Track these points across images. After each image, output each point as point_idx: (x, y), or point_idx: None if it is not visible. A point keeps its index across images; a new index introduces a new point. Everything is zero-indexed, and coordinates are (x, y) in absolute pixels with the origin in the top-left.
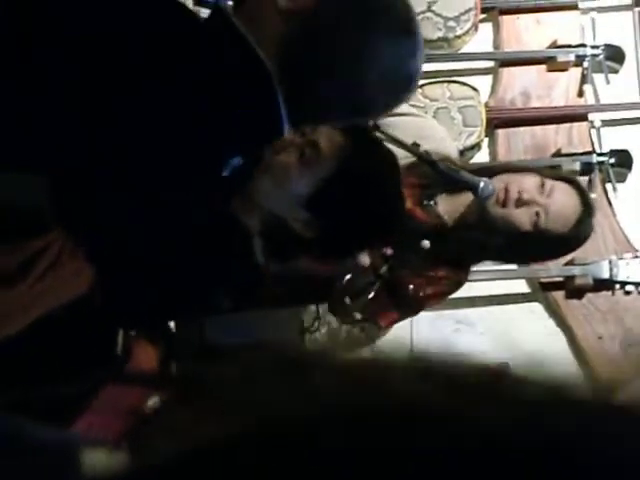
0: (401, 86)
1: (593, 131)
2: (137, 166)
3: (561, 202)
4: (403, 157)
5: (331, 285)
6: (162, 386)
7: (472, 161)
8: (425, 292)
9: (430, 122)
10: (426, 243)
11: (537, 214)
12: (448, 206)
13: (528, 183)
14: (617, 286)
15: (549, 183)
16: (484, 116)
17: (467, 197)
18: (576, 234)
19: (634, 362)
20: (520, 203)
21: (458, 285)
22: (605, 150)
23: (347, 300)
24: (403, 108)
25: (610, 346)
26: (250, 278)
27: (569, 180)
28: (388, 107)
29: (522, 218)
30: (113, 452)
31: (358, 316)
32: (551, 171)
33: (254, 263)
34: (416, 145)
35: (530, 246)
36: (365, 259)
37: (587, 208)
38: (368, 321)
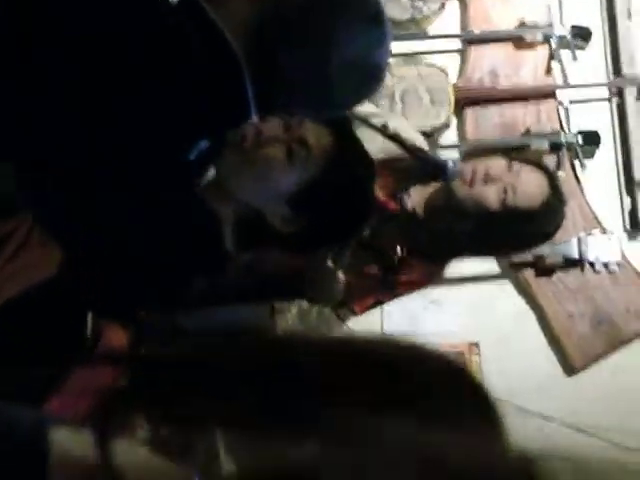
0: (370, 73)
1: (561, 109)
2: (104, 149)
3: (528, 181)
4: (377, 152)
5: (301, 282)
6: (130, 367)
7: (440, 141)
8: (400, 278)
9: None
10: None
11: (505, 191)
12: (419, 197)
13: (495, 163)
14: (586, 264)
15: (516, 164)
16: (452, 95)
17: (436, 186)
18: (545, 214)
19: (604, 339)
20: (487, 179)
21: (431, 276)
22: (573, 128)
23: (329, 262)
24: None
25: (580, 324)
26: (217, 265)
27: (536, 163)
28: (359, 95)
29: (490, 195)
30: (82, 432)
31: (341, 276)
32: (518, 155)
33: (222, 250)
34: (385, 127)
35: (500, 228)
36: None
37: (555, 192)
38: (343, 307)
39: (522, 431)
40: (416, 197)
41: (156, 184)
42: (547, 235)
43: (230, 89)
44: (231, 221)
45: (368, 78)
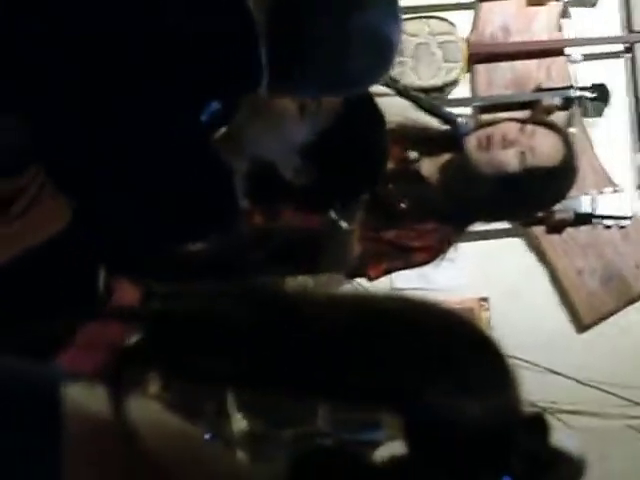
0: (385, 50)
1: (572, 66)
2: (117, 105)
3: (544, 142)
4: (394, 115)
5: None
6: (142, 323)
7: (452, 96)
8: (413, 244)
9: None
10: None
11: (523, 153)
12: (431, 166)
13: (509, 127)
14: (597, 220)
15: (529, 127)
16: (464, 51)
17: (450, 155)
18: (564, 172)
19: (613, 296)
20: (505, 144)
21: (444, 241)
22: (585, 84)
23: (332, 214)
24: (385, 90)
25: (590, 280)
26: (230, 218)
27: (549, 124)
28: (372, 73)
29: (509, 158)
30: (96, 387)
31: (344, 224)
32: (529, 117)
33: (236, 203)
34: (395, 81)
35: (520, 191)
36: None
37: (570, 151)
38: (357, 275)
39: (532, 386)
40: (430, 165)
41: (168, 144)
42: (563, 194)
43: (244, 53)
44: (244, 174)
45: (382, 54)
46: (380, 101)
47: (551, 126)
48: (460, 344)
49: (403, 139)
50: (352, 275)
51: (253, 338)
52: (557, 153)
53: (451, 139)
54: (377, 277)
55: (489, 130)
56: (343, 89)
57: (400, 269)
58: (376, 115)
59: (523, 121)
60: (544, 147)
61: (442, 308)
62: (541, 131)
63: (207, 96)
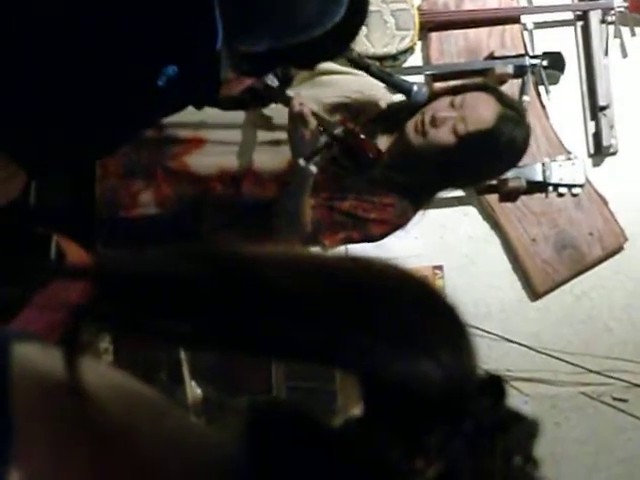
0: None
1: (525, 33)
2: (69, 68)
3: (474, 105)
4: (337, 96)
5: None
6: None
7: (405, 64)
8: (369, 215)
9: (371, 81)
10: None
11: (454, 125)
12: (388, 142)
13: (438, 105)
14: (550, 188)
15: (458, 98)
16: (417, 19)
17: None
18: (503, 129)
19: (567, 264)
20: (435, 123)
21: (403, 215)
22: (538, 53)
23: (301, 162)
24: (344, 67)
25: (544, 248)
26: (211, 93)
27: (477, 86)
28: (328, 11)
29: (442, 134)
30: (47, 347)
31: (313, 168)
32: (460, 86)
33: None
34: (349, 50)
35: (465, 160)
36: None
37: (506, 105)
38: (312, 243)
39: (486, 353)
40: (387, 141)
41: (125, 108)
42: (515, 149)
43: (199, 16)
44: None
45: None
46: (337, 79)
47: (480, 87)
48: (414, 305)
49: (361, 115)
50: (307, 243)
51: (208, 296)
52: (491, 112)
53: (402, 92)
54: (332, 246)
55: (418, 116)
56: (299, 34)
57: (358, 241)
58: None
59: (452, 90)
60: (476, 110)
61: (397, 269)
62: (471, 96)
63: (162, 61)
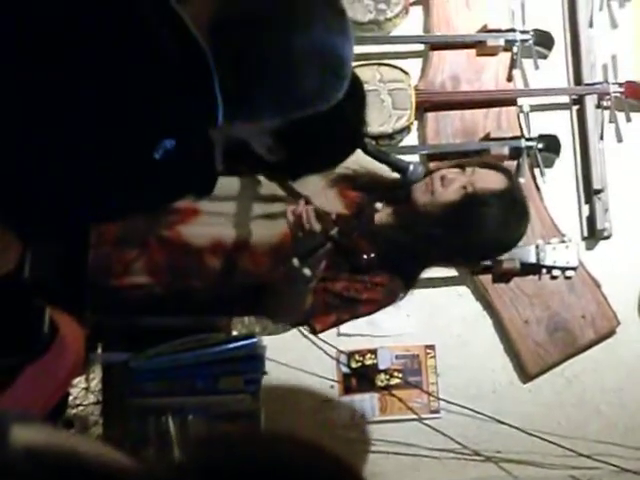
0: (334, 65)
1: (522, 116)
2: (69, 137)
3: (485, 177)
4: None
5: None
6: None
7: (401, 144)
8: (361, 296)
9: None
10: (379, 205)
11: (464, 187)
12: (383, 215)
13: (450, 169)
14: (544, 270)
15: (470, 168)
16: (414, 99)
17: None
18: (508, 201)
19: (559, 346)
20: (445, 183)
21: (392, 294)
22: (533, 135)
23: (295, 262)
24: None
25: (536, 330)
26: (208, 183)
27: (490, 165)
28: (329, 88)
29: (449, 192)
30: (39, 426)
31: (307, 272)
32: (471, 160)
33: (214, 169)
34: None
35: (466, 228)
36: (316, 225)
37: (514, 186)
38: (303, 325)
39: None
40: (383, 214)
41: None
42: (516, 228)
43: (198, 89)
44: (221, 143)
45: (334, 71)
46: None
47: (492, 166)
48: None
49: (358, 186)
50: (297, 324)
51: None
52: (500, 187)
53: (402, 188)
54: (323, 330)
55: (429, 178)
56: (299, 109)
57: (346, 321)
58: (357, 92)
59: (464, 165)
60: (485, 182)
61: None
62: (483, 171)
63: (161, 134)
